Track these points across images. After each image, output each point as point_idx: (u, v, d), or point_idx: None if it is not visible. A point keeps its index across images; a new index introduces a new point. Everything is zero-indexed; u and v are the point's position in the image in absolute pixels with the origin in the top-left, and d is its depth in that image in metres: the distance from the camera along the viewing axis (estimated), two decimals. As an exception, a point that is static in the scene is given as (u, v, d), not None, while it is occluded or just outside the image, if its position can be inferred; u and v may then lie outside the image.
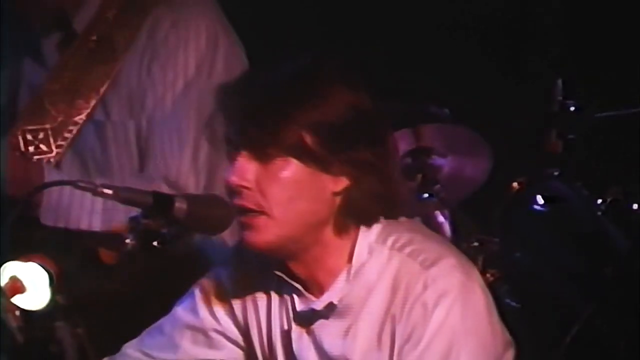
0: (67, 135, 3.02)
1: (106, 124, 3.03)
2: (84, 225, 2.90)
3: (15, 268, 2.31)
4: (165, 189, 2.91)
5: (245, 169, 2.36)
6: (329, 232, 2.42)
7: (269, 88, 2.38)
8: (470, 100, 4.52)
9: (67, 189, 2.89)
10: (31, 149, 3.03)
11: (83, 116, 3.02)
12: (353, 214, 2.41)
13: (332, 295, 2.44)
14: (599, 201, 3.91)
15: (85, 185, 2.35)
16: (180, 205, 2.37)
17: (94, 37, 3.06)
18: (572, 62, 4.44)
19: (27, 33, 3.07)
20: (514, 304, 4.00)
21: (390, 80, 4.34)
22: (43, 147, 3.03)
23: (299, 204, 2.37)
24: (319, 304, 2.46)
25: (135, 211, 2.38)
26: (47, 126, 3.03)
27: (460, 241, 4.01)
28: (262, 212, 2.37)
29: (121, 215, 2.86)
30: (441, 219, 4.15)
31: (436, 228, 4.08)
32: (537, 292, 4.03)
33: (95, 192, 2.34)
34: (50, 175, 2.91)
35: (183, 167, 2.97)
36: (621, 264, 3.74)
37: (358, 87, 2.40)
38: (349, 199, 2.40)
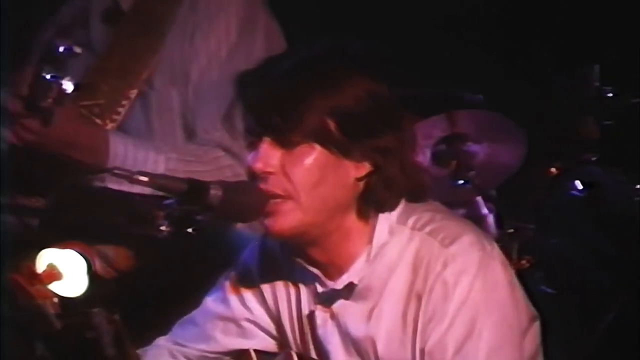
0: (119, 109, 3.04)
1: (150, 95, 3.04)
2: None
3: (52, 255, 2.32)
4: (220, 154, 2.95)
5: (270, 155, 2.37)
6: (351, 218, 2.43)
7: (289, 75, 2.39)
8: (506, 86, 4.51)
9: (131, 152, 2.91)
10: None
11: (135, 90, 3.04)
12: (375, 200, 2.42)
13: (351, 275, 2.45)
14: (638, 186, 3.90)
15: (121, 173, 2.36)
16: (215, 192, 2.36)
17: (140, 14, 3.08)
18: (609, 47, 4.41)
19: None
20: (549, 290, 3.99)
21: (424, 67, 4.35)
22: (98, 121, 3.06)
23: (323, 190, 2.38)
24: (339, 284, 2.47)
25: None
26: (101, 101, 3.05)
27: (495, 228, 3.99)
28: (288, 197, 2.38)
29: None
30: (485, 211, 4.13)
31: (479, 220, 4.07)
32: (572, 278, 4.01)
33: (132, 180, 2.35)
34: (114, 141, 2.91)
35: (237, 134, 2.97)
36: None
37: (375, 74, 2.41)
38: (371, 184, 2.41)
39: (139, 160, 2.90)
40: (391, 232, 2.44)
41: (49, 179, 2.95)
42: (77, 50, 2.70)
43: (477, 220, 3.76)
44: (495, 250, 2.45)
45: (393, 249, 2.44)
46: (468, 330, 2.37)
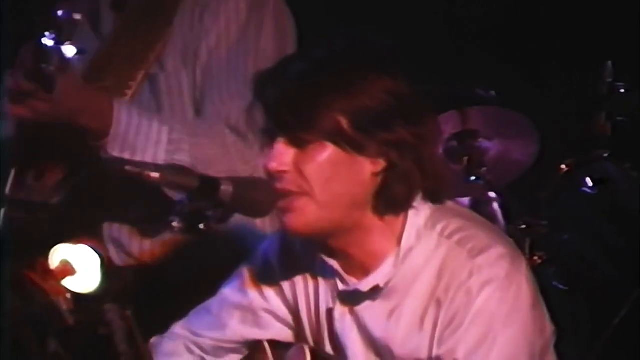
0: (127, 91, 3.04)
1: (160, 76, 3.04)
2: (148, 157, 2.90)
3: (65, 251, 2.33)
4: (226, 130, 2.93)
5: (284, 154, 2.38)
6: (370, 215, 2.42)
7: (305, 75, 2.39)
8: (518, 82, 4.51)
9: (135, 119, 2.91)
10: None
11: (141, 72, 3.04)
12: (390, 195, 2.40)
13: (378, 277, 2.45)
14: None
15: (132, 169, 2.37)
16: (226, 187, 2.36)
17: None
18: (621, 43, 4.40)
19: None
20: (561, 286, 4.00)
21: (435, 63, 4.35)
22: None
23: (337, 186, 2.37)
24: (365, 286, 2.46)
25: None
26: (108, 84, 3.05)
27: (507, 224, 4.00)
28: (302, 193, 2.37)
29: (185, 148, 2.91)
30: (495, 207, 4.14)
31: (489, 215, 4.07)
32: (584, 274, 4.01)
33: (142, 175, 2.35)
34: (119, 107, 2.91)
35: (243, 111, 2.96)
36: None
37: (394, 71, 2.40)
38: (386, 180, 2.39)
39: (142, 127, 2.88)
40: (418, 237, 2.43)
41: (57, 157, 2.95)
42: (77, 17, 2.68)
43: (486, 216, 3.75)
44: (524, 266, 2.43)
45: (420, 254, 2.43)
46: (480, 340, 2.36)
